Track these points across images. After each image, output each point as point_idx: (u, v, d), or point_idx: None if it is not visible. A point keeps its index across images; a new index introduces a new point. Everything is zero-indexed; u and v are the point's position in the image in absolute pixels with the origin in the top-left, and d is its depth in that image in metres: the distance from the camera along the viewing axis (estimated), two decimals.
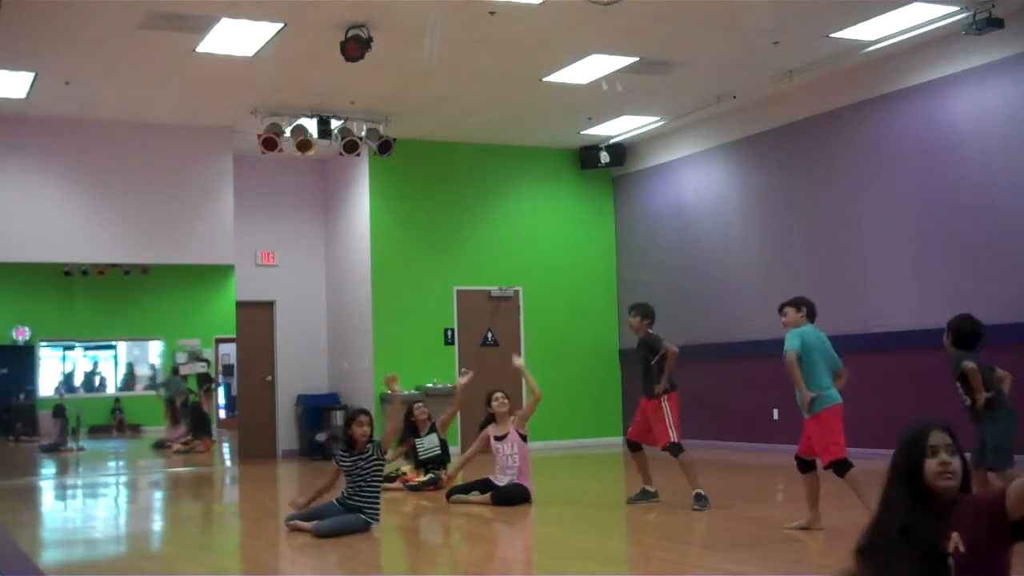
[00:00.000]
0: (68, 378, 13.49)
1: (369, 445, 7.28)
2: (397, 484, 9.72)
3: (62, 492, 11.45)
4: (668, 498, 8.23)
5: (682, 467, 7.94)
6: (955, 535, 3.04)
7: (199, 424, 13.73)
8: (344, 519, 7.14)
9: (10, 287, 12.77)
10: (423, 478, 9.68)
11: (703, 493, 7.83)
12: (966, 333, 6.75)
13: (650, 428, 8.16)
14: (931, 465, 3.11)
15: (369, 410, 7.68)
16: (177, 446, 13.56)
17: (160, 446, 13.71)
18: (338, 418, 13.76)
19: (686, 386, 8.46)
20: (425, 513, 8.65)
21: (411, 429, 10.03)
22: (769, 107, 12.34)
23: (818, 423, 6.67)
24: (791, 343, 6.72)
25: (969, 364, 6.58)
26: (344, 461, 7.34)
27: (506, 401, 8.79)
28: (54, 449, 13.19)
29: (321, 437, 13.81)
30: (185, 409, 13.73)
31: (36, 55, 10.10)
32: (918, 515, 3.12)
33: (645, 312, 8.27)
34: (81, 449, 13.24)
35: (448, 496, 8.81)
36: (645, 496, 8.27)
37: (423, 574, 6.37)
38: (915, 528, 3.10)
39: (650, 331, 8.21)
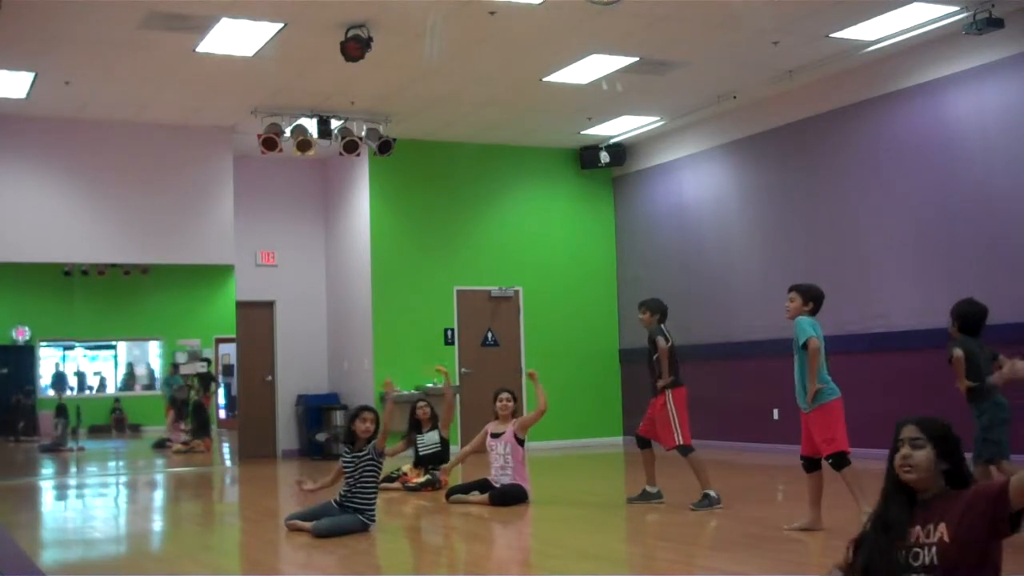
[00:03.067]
0: (60, 378, 13.45)
1: (368, 445, 7.29)
2: (396, 484, 9.73)
3: (62, 492, 11.45)
4: (668, 498, 8.23)
5: (692, 467, 7.94)
6: (918, 529, 3.11)
7: (199, 424, 13.73)
8: (343, 519, 7.14)
9: (10, 287, 12.77)
10: (422, 479, 9.68)
11: (711, 494, 7.82)
12: (971, 317, 6.66)
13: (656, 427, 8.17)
14: (896, 458, 3.21)
15: (374, 408, 7.69)
16: (177, 446, 13.55)
17: (160, 446, 13.71)
18: (338, 418, 13.78)
19: (687, 385, 8.45)
20: (425, 513, 8.64)
21: (414, 425, 10.08)
22: (769, 107, 12.34)
23: (821, 414, 6.63)
24: (810, 331, 6.65)
25: (957, 351, 6.50)
26: (346, 458, 7.36)
27: (510, 404, 8.77)
28: (54, 449, 13.19)
29: (321, 437, 13.81)
30: (186, 408, 13.73)
31: (36, 55, 10.10)
32: (892, 507, 3.22)
33: (654, 307, 8.26)
34: (81, 449, 13.24)
35: (447, 496, 8.81)
36: (646, 496, 8.25)
37: (423, 574, 6.37)
38: (887, 519, 3.21)
39: (662, 326, 8.21)
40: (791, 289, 6.92)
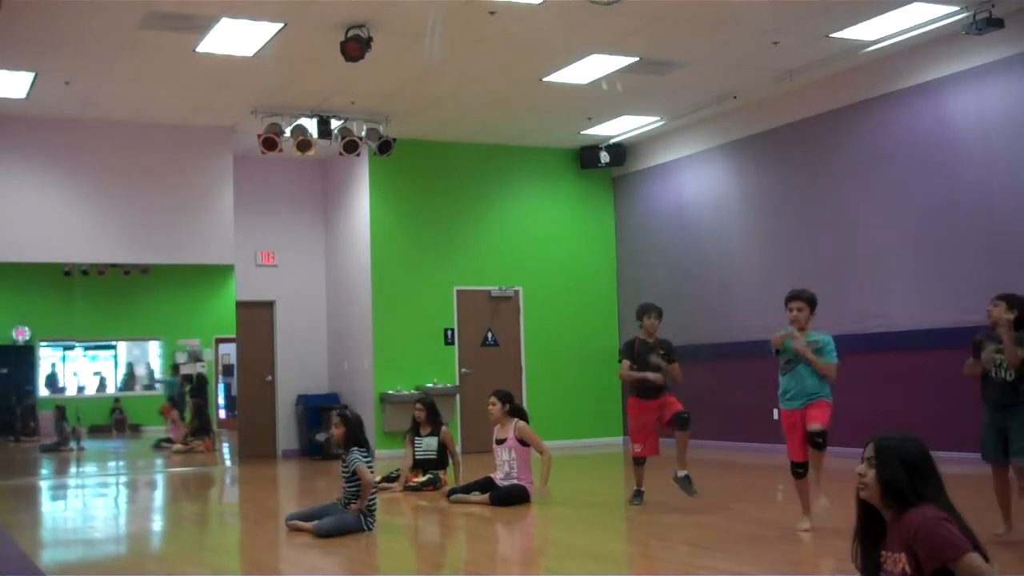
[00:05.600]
0: (52, 379, 13.44)
1: (353, 451, 7.26)
2: (396, 484, 9.70)
3: (62, 492, 11.45)
4: (667, 498, 8.22)
5: (681, 442, 7.90)
6: (888, 553, 3.09)
7: (200, 424, 13.72)
8: (344, 519, 7.14)
9: (10, 287, 12.77)
10: (422, 478, 9.65)
11: (690, 476, 7.86)
12: None
13: (654, 429, 8.14)
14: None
15: (347, 411, 7.64)
16: (177, 446, 13.55)
17: (160, 446, 13.71)
18: None
19: (686, 385, 8.44)
20: (425, 513, 8.64)
21: (413, 427, 9.99)
22: (769, 107, 12.34)
23: (828, 405, 6.68)
24: (835, 353, 6.67)
25: None
26: (343, 463, 7.37)
27: (492, 408, 8.74)
28: (54, 449, 13.19)
29: (321, 437, 13.81)
30: (184, 406, 13.72)
31: (36, 55, 10.10)
32: (859, 524, 3.21)
33: (662, 313, 8.26)
34: (81, 449, 13.23)
35: (448, 496, 8.81)
36: (640, 496, 8.22)
37: (423, 574, 6.37)
38: (858, 536, 3.21)
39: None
40: (795, 298, 6.80)
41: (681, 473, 7.88)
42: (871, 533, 3.20)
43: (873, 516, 3.20)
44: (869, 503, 3.19)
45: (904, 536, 3.03)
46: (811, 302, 6.84)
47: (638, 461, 8.22)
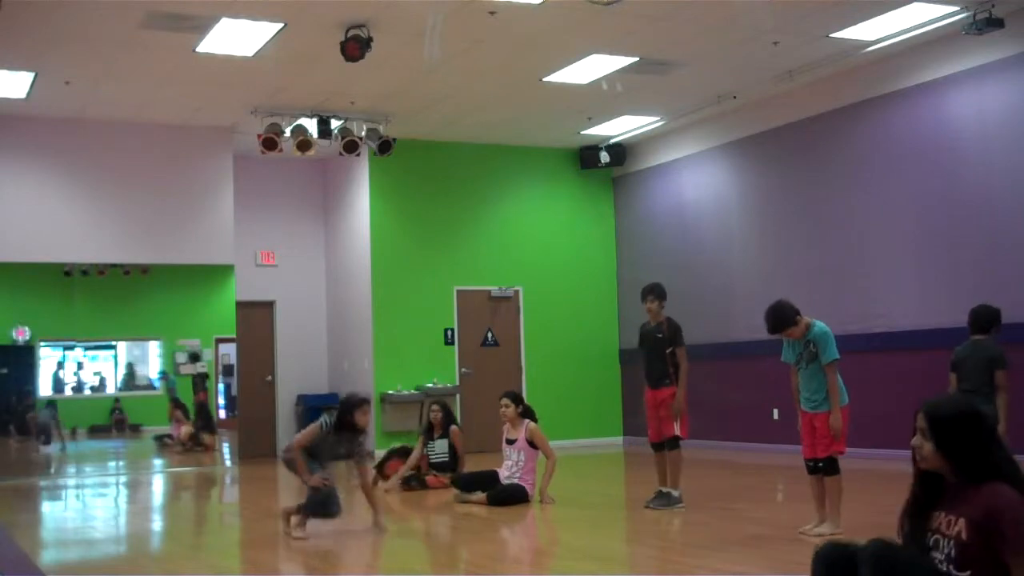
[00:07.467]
0: (56, 379, 13.43)
1: (362, 438, 7.30)
2: (390, 484, 9.66)
3: (62, 492, 11.45)
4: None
5: (672, 462, 7.83)
6: (942, 515, 3.03)
7: (203, 422, 13.71)
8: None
9: (10, 287, 12.77)
10: (406, 473, 9.63)
11: (676, 495, 7.75)
12: (980, 316, 6.92)
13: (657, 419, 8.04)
14: (912, 444, 3.13)
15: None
16: (178, 446, 13.54)
17: (159, 440, 13.70)
18: None
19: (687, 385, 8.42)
20: (425, 513, 8.64)
21: (428, 429, 9.96)
22: (769, 107, 12.34)
23: (842, 417, 6.58)
24: (834, 347, 6.58)
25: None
26: (335, 439, 7.31)
27: (507, 410, 8.71)
28: (53, 449, 13.18)
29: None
30: (185, 406, 13.72)
31: (36, 55, 10.10)
32: (915, 490, 3.16)
33: (663, 295, 8.09)
34: (65, 446, 13.22)
35: (452, 483, 8.86)
36: (662, 497, 8.09)
37: (423, 574, 6.37)
38: (912, 502, 3.16)
39: (669, 317, 8.05)
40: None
41: (665, 489, 7.82)
42: (926, 499, 3.12)
43: (931, 482, 3.12)
44: (929, 471, 3.10)
45: (977, 506, 2.95)
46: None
47: (654, 447, 8.05)
